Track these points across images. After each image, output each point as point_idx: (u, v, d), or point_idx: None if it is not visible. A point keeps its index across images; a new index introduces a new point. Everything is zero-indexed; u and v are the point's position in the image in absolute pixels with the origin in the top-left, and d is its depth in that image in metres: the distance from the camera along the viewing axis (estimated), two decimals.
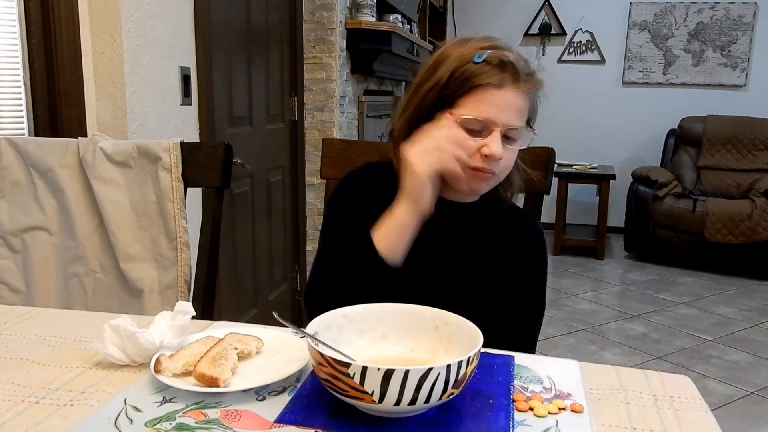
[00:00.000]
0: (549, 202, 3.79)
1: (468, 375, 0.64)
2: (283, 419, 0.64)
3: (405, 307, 0.78)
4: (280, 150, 2.81)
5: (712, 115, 4.80)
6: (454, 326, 0.74)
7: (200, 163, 1.30)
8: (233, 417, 0.64)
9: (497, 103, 0.92)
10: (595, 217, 4.72)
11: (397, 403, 0.61)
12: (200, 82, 2.01)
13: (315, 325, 0.72)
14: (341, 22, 2.96)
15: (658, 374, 0.77)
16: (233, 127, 2.32)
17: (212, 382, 0.68)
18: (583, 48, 5.25)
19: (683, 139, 4.84)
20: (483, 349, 0.69)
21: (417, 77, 1.00)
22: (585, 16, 5.18)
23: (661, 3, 5.03)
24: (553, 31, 5.25)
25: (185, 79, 1.93)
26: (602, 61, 5.24)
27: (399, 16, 3.45)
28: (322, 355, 0.62)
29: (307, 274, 3.10)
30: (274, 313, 0.79)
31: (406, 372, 0.59)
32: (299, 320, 3.01)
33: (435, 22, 5.01)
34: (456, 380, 0.62)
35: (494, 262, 1.02)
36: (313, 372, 0.71)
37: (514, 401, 0.69)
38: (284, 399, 0.68)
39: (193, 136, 2.01)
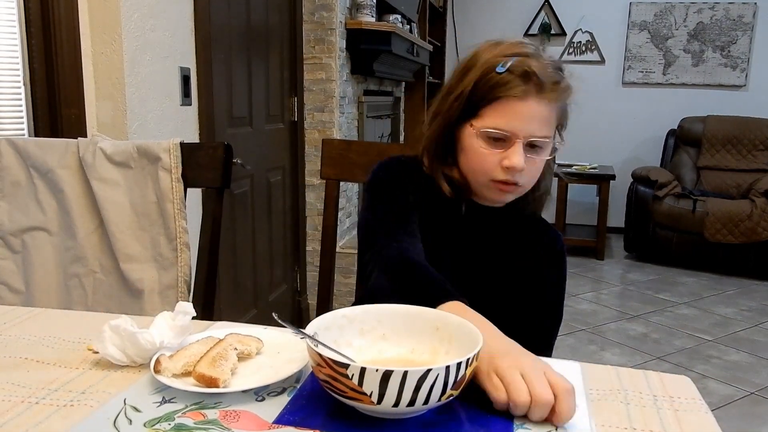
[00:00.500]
0: (549, 202, 3.77)
1: (468, 376, 0.64)
2: (282, 420, 0.64)
3: (405, 307, 0.78)
4: (280, 150, 2.81)
5: (712, 115, 4.80)
6: (455, 327, 0.74)
7: (200, 164, 1.30)
8: (232, 417, 0.64)
9: (519, 115, 0.91)
10: (595, 218, 4.72)
11: (396, 404, 0.61)
12: (200, 82, 2.01)
13: (315, 325, 0.72)
14: (341, 22, 2.96)
15: (657, 374, 0.77)
16: (233, 128, 2.32)
17: (212, 382, 0.68)
18: (583, 48, 5.25)
19: (683, 139, 4.84)
20: None
21: (448, 81, 0.99)
22: (585, 16, 5.18)
23: (661, 3, 5.03)
24: (552, 32, 5.25)
25: (185, 80, 1.93)
26: (602, 61, 5.24)
27: (399, 17, 3.45)
28: (320, 355, 0.62)
29: (308, 274, 3.11)
30: (273, 314, 0.79)
31: (405, 373, 0.59)
32: (299, 321, 3.01)
33: (435, 23, 5.01)
34: (455, 381, 0.62)
35: (518, 269, 1.03)
36: (312, 373, 0.71)
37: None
38: (283, 400, 0.68)
39: (193, 137, 2.01)
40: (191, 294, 1.30)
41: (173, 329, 0.77)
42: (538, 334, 1.03)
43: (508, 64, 0.91)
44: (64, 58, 1.61)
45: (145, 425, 0.62)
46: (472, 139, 0.95)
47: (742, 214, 4.11)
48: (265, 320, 0.85)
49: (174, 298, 1.31)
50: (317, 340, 0.68)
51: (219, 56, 2.15)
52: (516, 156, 0.91)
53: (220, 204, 1.30)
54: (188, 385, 0.69)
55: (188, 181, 1.31)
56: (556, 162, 1.07)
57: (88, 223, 1.34)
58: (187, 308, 0.78)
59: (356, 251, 1.09)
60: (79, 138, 1.36)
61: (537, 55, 0.94)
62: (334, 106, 2.96)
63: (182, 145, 1.30)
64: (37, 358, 0.78)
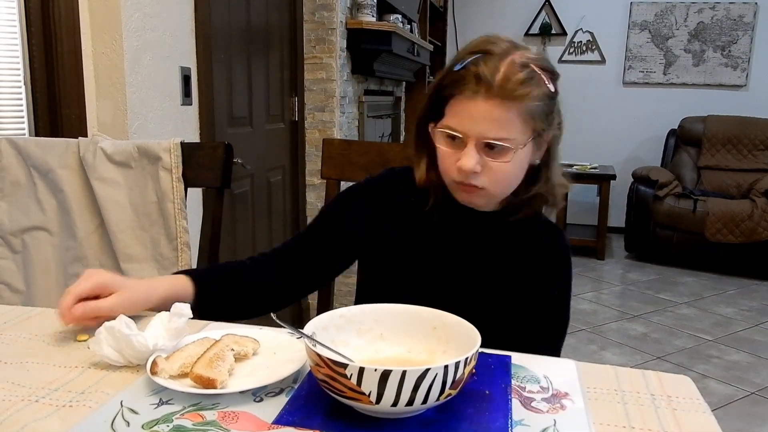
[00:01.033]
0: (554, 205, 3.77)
1: (466, 375, 0.64)
2: (280, 420, 0.64)
3: (403, 307, 0.78)
4: (281, 150, 2.82)
5: (712, 115, 4.80)
6: (452, 327, 0.74)
7: (200, 164, 1.31)
8: (231, 418, 0.64)
9: (469, 115, 0.87)
10: (595, 217, 4.72)
11: (395, 404, 0.61)
12: (200, 82, 2.01)
13: (312, 325, 0.72)
14: (341, 22, 2.96)
15: (656, 374, 0.77)
16: (233, 128, 2.32)
17: (209, 383, 0.68)
18: (584, 48, 5.24)
19: (683, 139, 4.84)
20: (480, 349, 0.69)
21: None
22: (585, 16, 5.18)
23: (662, 3, 5.03)
24: (553, 31, 5.24)
25: (185, 80, 1.93)
26: (602, 61, 5.23)
27: (399, 16, 3.45)
28: (319, 355, 0.62)
29: None
30: (272, 314, 0.79)
31: (403, 373, 0.59)
32: (299, 321, 3.01)
33: (435, 22, 5.01)
34: (454, 381, 0.62)
35: (519, 272, 0.99)
36: (310, 373, 0.71)
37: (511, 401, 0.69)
38: (282, 400, 0.68)
39: (193, 137, 2.01)
40: None
41: (168, 331, 0.77)
42: (543, 338, 1.01)
43: (465, 62, 0.87)
44: (65, 57, 1.61)
45: (143, 427, 0.62)
46: (436, 138, 0.93)
47: (742, 214, 4.11)
48: (265, 320, 0.85)
49: None
50: (315, 340, 0.68)
51: (219, 56, 2.15)
52: (465, 157, 0.87)
53: (221, 204, 1.30)
54: (185, 386, 0.68)
55: (188, 181, 1.31)
56: None
57: (89, 223, 1.34)
58: (183, 310, 0.78)
59: None
60: (79, 138, 1.36)
61: (504, 53, 0.86)
62: (335, 105, 2.96)
63: (183, 144, 1.30)
64: (37, 357, 0.78)
